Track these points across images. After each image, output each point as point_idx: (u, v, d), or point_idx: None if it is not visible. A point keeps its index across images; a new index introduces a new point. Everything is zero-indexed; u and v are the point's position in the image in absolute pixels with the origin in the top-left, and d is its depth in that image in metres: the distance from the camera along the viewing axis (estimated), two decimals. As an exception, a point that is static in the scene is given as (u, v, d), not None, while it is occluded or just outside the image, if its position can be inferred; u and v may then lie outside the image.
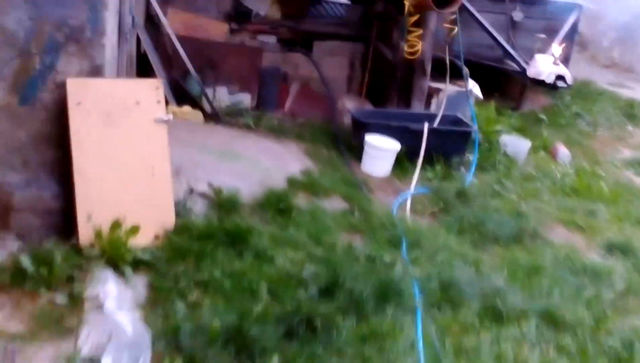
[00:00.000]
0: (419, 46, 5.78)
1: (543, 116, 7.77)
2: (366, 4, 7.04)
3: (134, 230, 3.34)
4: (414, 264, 3.72)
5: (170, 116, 3.63)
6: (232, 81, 6.69)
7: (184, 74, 6.32)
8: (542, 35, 7.66)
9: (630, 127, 8.39)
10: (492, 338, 3.17)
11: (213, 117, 5.90)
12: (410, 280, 3.45)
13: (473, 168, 5.50)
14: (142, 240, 3.37)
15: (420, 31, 5.76)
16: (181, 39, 6.07)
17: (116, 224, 3.31)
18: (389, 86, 6.31)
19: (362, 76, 7.01)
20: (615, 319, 3.58)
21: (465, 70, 6.11)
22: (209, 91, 6.24)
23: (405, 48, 5.85)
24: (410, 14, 5.69)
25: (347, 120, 6.15)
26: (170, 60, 6.43)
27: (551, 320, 3.40)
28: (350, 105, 6.44)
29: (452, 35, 5.80)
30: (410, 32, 5.76)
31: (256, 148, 5.21)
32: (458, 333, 3.19)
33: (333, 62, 7.09)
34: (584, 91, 9.14)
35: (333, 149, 5.66)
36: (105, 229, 3.29)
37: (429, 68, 6.02)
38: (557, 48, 7.22)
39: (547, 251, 4.31)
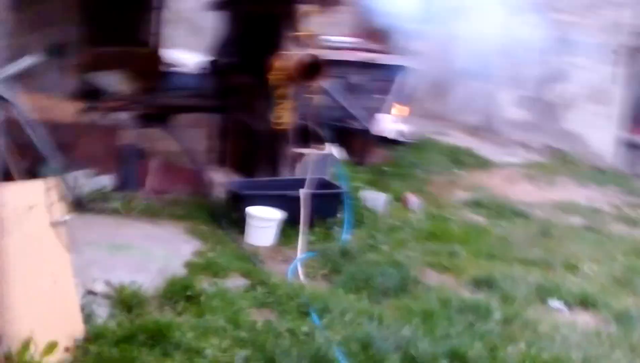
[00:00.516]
0: (287, 116, 6.19)
1: (387, 168, 8.50)
2: (222, 75, 7.32)
3: (51, 347, 3.18)
4: (329, 329, 4.03)
5: (67, 217, 3.56)
6: (90, 164, 6.58)
7: (37, 161, 6.15)
8: (379, 96, 8.44)
9: (457, 171, 9.39)
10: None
11: (77, 205, 5.78)
12: (333, 347, 3.73)
13: (348, 226, 5.95)
14: (52, 358, 3.20)
15: (290, 103, 6.19)
16: (30, 123, 5.92)
17: (26, 344, 3.11)
18: (254, 155, 6.64)
19: (223, 147, 7.24)
20: (504, 347, 4.13)
21: (329, 134, 6.61)
22: (68, 177, 6.12)
23: (274, 119, 6.21)
24: (276, 87, 6.09)
25: (217, 193, 6.33)
26: (20, 147, 6.26)
27: (458, 358, 3.86)
28: (218, 177, 6.66)
29: (316, 105, 6.28)
30: (278, 103, 6.16)
31: (141, 235, 5.25)
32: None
33: (192, 134, 7.25)
34: (414, 141, 10.10)
35: (213, 224, 5.81)
36: (15, 350, 3.08)
37: (293, 136, 6.44)
38: (396, 107, 7.99)
39: (430, 295, 4.83)
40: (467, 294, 5.06)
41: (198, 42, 12.18)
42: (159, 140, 7.07)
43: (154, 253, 4.87)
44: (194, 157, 6.88)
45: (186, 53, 10.24)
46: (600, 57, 10.59)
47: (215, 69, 7.62)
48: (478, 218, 7.37)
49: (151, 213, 5.87)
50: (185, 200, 6.28)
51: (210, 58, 7.80)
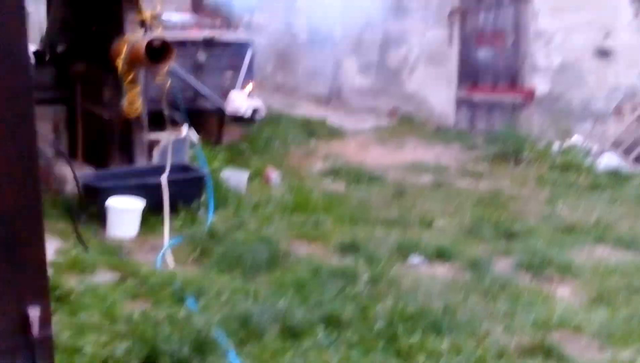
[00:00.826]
0: (138, 103, 6.09)
1: (244, 146, 8.58)
2: (60, 64, 7.04)
3: None
4: (206, 311, 4.10)
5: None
6: None
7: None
8: (228, 74, 8.46)
9: (313, 142, 9.65)
10: (296, 354, 3.73)
11: None
12: (213, 328, 3.83)
13: (212, 208, 5.99)
14: None
15: (139, 88, 6.08)
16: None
17: None
18: (108, 145, 6.49)
19: (72, 139, 7.01)
20: (374, 306, 4.40)
21: (182, 116, 6.58)
22: None
23: (126, 106, 6.09)
24: (125, 73, 5.97)
25: (71, 187, 6.14)
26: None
27: (332, 321, 4.08)
28: (69, 171, 6.44)
29: (167, 88, 6.22)
30: (127, 90, 6.04)
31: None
32: (269, 360, 3.68)
33: (37, 128, 6.96)
34: (267, 116, 10.24)
35: (71, 221, 5.63)
36: None
37: (146, 122, 6.36)
38: (248, 85, 8.07)
39: (301, 265, 5.02)
40: (335, 260, 5.31)
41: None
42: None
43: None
44: (41, 152, 6.61)
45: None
46: (435, 20, 11.19)
47: (51, 57, 7.31)
48: (337, 186, 7.66)
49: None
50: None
51: (43, 46, 7.47)
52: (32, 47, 8.01)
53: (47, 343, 1.06)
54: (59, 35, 7.32)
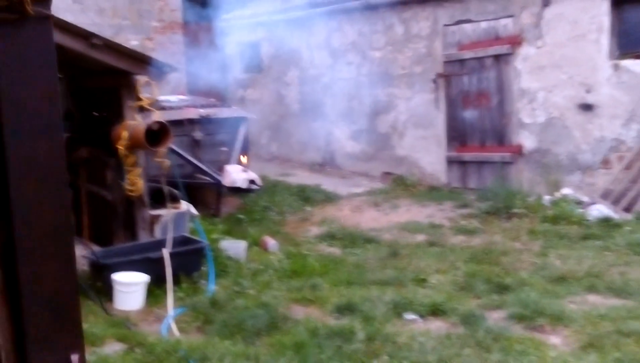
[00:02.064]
0: (140, 183, 6.39)
1: (242, 216, 8.85)
2: (65, 150, 7.37)
3: None
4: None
5: None
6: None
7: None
8: (224, 148, 8.80)
9: (308, 208, 9.92)
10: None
11: None
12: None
13: (212, 278, 6.21)
14: None
15: (140, 170, 6.39)
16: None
17: None
18: (111, 223, 6.76)
19: (78, 220, 7.28)
20: (370, 361, 4.57)
21: (182, 192, 6.86)
22: None
23: (127, 187, 6.40)
24: (126, 156, 6.29)
25: (79, 265, 6.38)
26: None
27: (331, 380, 4.26)
28: (76, 250, 6.68)
29: (166, 167, 6.53)
30: (129, 171, 6.35)
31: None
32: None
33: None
34: (263, 186, 10.54)
35: (80, 296, 5.86)
36: None
37: (147, 199, 6.64)
38: (243, 158, 8.39)
39: (299, 327, 5.19)
40: (332, 321, 5.48)
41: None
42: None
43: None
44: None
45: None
46: (420, 86, 11.63)
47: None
48: (333, 250, 7.88)
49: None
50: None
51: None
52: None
53: None
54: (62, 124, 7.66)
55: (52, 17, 1.33)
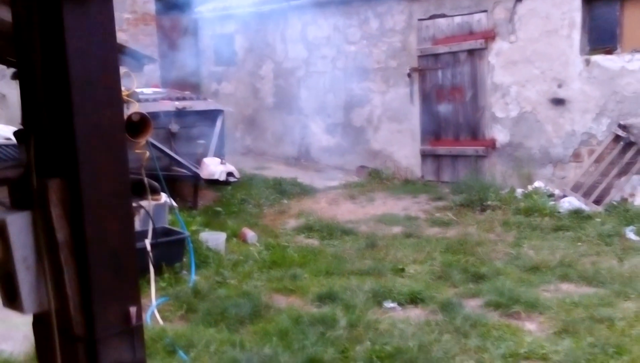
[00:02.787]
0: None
1: (219, 209, 8.88)
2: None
3: None
4: (197, 361, 4.33)
5: None
6: None
7: None
8: (201, 141, 8.81)
9: (285, 201, 9.98)
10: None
11: None
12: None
13: (193, 268, 6.24)
14: None
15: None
16: None
17: None
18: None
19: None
20: (353, 348, 4.66)
21: (160, 184, 6.86)
22: None
23: (107, 179, 6.36)
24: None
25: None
26: None
27: (315, 364, 4.34)
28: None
29: (146, 159, 6.51)
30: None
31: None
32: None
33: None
34: (239, 179, 10.57)
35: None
36: None
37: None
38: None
39: (282, 316, 5.27)
40: (314, 309, 5.56)
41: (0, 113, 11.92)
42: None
43: (15, 322, 4.88)
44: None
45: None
46: (395, 80, 11.75)
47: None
48: (311, 241, 7.96)
49: None
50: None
51: (23, 126, 7.76)
52: (14, 128, 8.30)
53: (140, 330, 1.51)
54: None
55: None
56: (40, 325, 1.52)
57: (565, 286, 6.31)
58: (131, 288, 1.51)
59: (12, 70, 8.70)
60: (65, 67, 1.37)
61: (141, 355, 1.51)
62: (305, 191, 10.47)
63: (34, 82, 1.44)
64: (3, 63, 9.16)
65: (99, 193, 1.44)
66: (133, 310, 1.48)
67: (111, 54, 1.46)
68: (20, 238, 1.40)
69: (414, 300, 5.87)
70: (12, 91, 11.50)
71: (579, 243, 7.65)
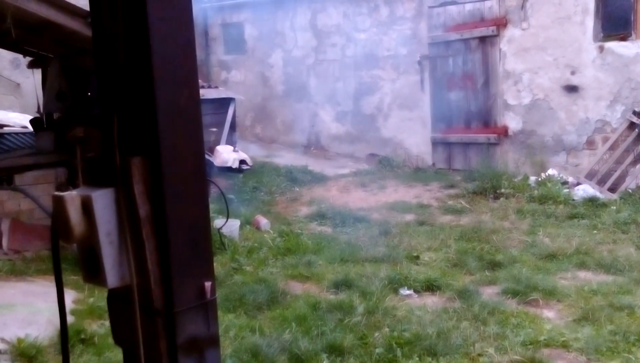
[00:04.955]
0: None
1: (232, 196, 8.84)
2: (60, 130, 7.28)
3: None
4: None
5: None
6: None
7: None
8: (214, 129, 8.78)
9: (297, 189, 9.94)
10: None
11: None
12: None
13: (208, 254, 6.21)
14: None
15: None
16: None
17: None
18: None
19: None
20: (372, 334, 4.63)
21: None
22: None
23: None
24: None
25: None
26: None
27: (335, 349, 4.30)
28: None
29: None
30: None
31: (19, 293, 5.30)
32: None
33: (40, 191, 7.19)
34: (250, 167, 10.54)
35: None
36: None
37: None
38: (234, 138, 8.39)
39: (299, 302, 5.24)
40: (331, 296, 5.53)
41: (15, 102, 11.89)
42: (6, 201, 6.99)
43: (38, 307, 4.90)
44: (48, 211, 6.84)
45: (6, 113, 10.00)
46: (406, 67, 11.67)
47: (49, 125, 7.57)
48: (324, 229, 7.92)
49: (18, 272, 5.89)
50: (48, 255, 6.28)
51: (40, 114, 7.74)
52: (29, 116, 8.29)
53: (214, 304, 1.55)
54: (55, 104, 7.57)
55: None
56: (115, 300, 1.56)
57: (583, 274, 6.26)
58: (206, 263, 1.55)
59: (28, 59, 8.64)
60: (148, 50, 1.44)
61: (215, 329, 1.56)
62: (316, 178, 10.43)
63: (116, 65, 1.50)
64: (20, 52, 9.12)
65: (178, 170, 1.49)
66: (208, 284, 1.52)
67: (189, 38, 1.52)
68: (104, 214, 1.45)
69: (430, 287, 5.83)
70: (27, 80, 11.47)
71: (595, 231, 7.59)
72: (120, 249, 1.47)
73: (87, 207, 1.44)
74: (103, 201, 1.45)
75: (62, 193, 1.45)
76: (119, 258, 1.47)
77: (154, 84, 1.44)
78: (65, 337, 1.76)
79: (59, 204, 1.45)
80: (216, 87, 10.58)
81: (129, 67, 1.48)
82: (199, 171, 1.54)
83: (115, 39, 1.49)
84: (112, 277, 1.47)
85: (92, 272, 1.50)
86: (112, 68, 1.52)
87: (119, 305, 1.55)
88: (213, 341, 1.56)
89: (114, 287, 1.48)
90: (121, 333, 1.57)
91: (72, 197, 1.44)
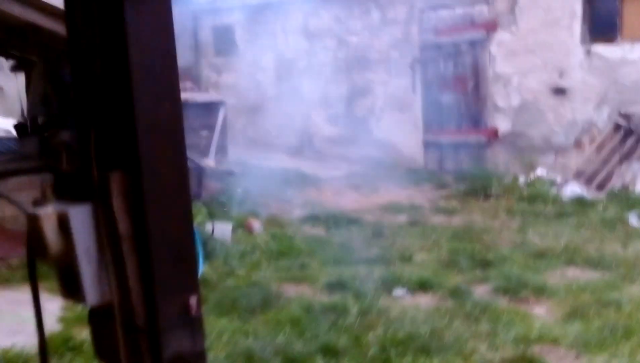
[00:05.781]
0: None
1: (223, 199, 8.89)
2: (42, 134, 7.28)
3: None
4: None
5: None
6: None
7: None
8: (204, 133, 8.84)
9: (289, 191, 10.00)
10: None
11: None
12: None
13: (202, 259, 6.25)
14: None
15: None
16: None
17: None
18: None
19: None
20: (366, 335, 4.70)
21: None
22: None
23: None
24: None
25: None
26: None
27: (330, 351, 4.37)
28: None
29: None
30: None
31: (4, 301, 5.25)
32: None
33: (25, 197, 7.19)
34: (243, 169, 10.59)
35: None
36: None
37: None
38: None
39: (293, 304, 5.30)
40: (325, 298, 5.60)
41: None
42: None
43: (24, 315, 4.89)
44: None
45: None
46: (397, 70, 11.77)
47: (34, 129, 7.57)
48: (317, 231, 7.99)
49: (4, 280, 5.85)
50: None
51: (24, 119, 7.75)
52: (13, 121, 8.31)
53: (200, 321, 1.51)
54: (40, 108, 7.59)
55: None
56: (97, 317, 1.53)
57: (571, 272, 6.36)
58: (191, 278, 1.52)
59: (10, 62, 8.67)
60: (126, 60, 1.39)
61: (201, 345, 1.53)
62: (309, 181, 10.50)
63: (94, 76, 1.46)
64: (3, 55, 9.08)
65: (160, 184, 1.45)
66: (193, 300, 1.49)
67: (170, 46, 1.46)
68: (83, 230, 1.40)
69: (423, 287, 5.89)
70: (10, 83, 11.49)
71: (583, 229, 7.70)
72: (100, 266, 1.42)
73: (64, 224, 1.39)
74: (81, 217, 1.40)
75: (36, 211, 1.39)
76: (98, 275, 1.42)
77: (133, 94, 1.39)
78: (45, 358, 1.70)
79: (34, 223, 1.40)
80: (206, 90, 10.62)
81: (106, 77, 1.43)
82: (182, 184, 1.49)
83: (91, 47, 1.43)
84: (92, 295, 1.42)
85: (71, 290, 1.46)
86: (89, 78, 1.47)
87: (101, 322, 1.51)
88: (200, 357, 1.52)
89: (95, 305, 1.44)
90: (104, 350, 1.54)
91: (48, 214, 1.39)
